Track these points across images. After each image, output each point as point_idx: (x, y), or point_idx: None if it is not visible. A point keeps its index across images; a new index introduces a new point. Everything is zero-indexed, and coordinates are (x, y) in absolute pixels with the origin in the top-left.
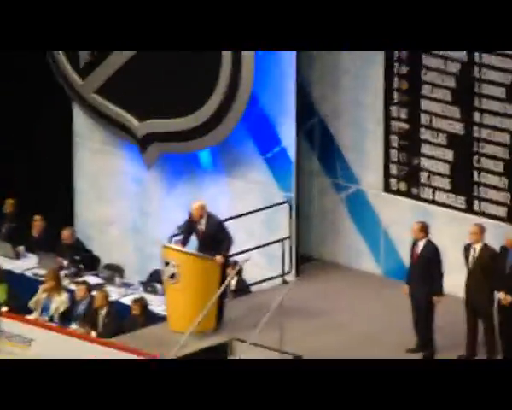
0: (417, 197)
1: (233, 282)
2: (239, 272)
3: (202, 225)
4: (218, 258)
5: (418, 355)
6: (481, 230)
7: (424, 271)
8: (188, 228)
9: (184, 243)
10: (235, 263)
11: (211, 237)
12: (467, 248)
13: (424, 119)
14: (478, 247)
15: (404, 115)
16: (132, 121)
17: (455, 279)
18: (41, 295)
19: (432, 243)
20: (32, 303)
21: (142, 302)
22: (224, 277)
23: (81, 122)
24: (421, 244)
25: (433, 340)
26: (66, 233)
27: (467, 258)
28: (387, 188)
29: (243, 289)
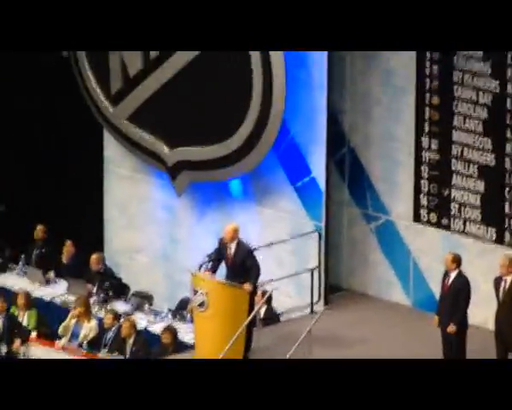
0: (448, 228)
1: (262, 310)
2: (268, 301)
3: (232, 250)
4: (247, 286)
5: None
6: None
7: (454, 302)
8: (217, 255)
9: (214, 270)
10: (264, 292)
11: (239, 262)
12: (497, 281)
13: (455, 150)
14: (509, 279)
15: (435, 146)
16: (163, 149)
17: (485, 312)
18: (70, 322)
19: (463, 275)
20: (61, 329)
21: (172, 330)
22: (252, 305)
23: (112, 149)
24: (452, 275)
25: None
26: (94, 259)
27: (497, 290)
28: (418, 219)
29: (272, 317)
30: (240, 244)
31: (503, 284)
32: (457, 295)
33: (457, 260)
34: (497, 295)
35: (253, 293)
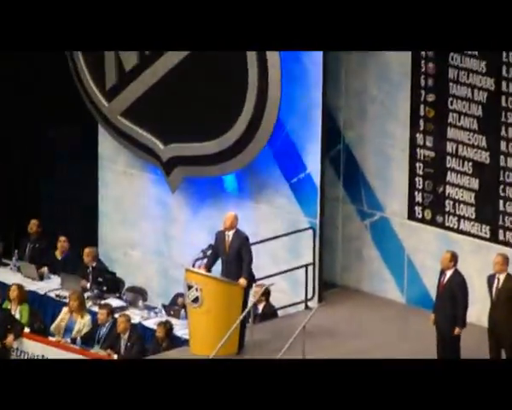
0: (442, 226)
1: (260, 306)
2: (267, 297)
3: (230, 237)
4: (242, 281)
5: None
6: (505, 260)
7: (450, 301)
8: (214, 251)
9: (209, 266)
10: (262, 287)
11: (236, 251)
12: (491, 279)
13: (450, 147)
14: (502, 277)
15: (429, 143)
16: (157, 144)
17: (479, 309)
18: (64, 317)
19: (459, 274)
20: (53, 328)
21: (167, 326)
22: (246, 301)
23: (106, 145)
24: (448, 274)
25: None
26: (87, 253)
27: (490, 288)
28: (412, 216)
29: (271, 313)
30: (237, 232)
31: (496, 281)
32: (453, 293)
33: (455, 259)
34: (491, 293)
35: (247, 288)
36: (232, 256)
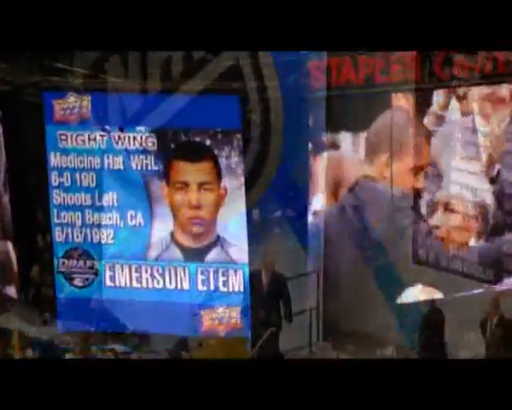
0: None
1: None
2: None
3: (267, 279)
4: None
5: None
6: (498, 303)
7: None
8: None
9: None
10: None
11: (274, 290)
12: (484, 321)
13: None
14: (495, 319)
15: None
16: None
17: (473, 351)
18: None
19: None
20: None
21: None
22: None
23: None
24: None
25: None
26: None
27: (484, 331)
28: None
29: (278, 356)
30: (275, 273)
31: (489, 325)
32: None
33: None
34: (484, 336)
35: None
36: (268, 297)
